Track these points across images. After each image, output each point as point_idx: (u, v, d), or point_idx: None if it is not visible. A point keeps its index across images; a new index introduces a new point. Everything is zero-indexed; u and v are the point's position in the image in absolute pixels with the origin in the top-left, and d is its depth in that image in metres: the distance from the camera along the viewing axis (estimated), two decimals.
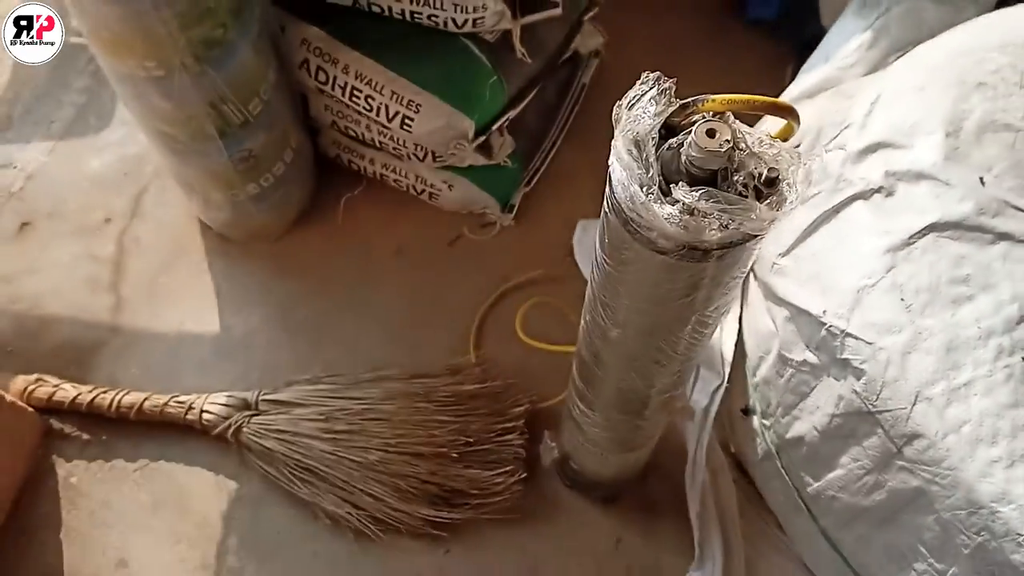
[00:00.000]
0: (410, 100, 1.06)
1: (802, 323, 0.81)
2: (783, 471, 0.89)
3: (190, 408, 1.05)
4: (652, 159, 0.49)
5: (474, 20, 1.03)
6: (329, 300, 1.21)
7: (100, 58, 0.92)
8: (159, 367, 1.14)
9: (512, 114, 1.12)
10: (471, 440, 1.04)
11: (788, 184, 0.48)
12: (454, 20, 1.03)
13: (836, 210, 0.83)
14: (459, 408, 1.07)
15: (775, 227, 0.49)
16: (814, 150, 0.89)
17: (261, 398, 1.07)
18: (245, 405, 1.06)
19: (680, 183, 0.47)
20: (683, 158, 0.49)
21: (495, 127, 1.11)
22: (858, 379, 0.75)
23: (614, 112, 0.51)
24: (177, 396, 1.06)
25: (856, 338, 0.75)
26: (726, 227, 0.46)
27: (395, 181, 1.24)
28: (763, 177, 0.48)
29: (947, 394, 0.70)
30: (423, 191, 1.24)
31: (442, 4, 1.01)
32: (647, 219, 0.49)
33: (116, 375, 1.13)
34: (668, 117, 0.51)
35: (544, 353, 1.14)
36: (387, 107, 1.07)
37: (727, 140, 0.47)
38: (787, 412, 0.86)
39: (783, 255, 0.86)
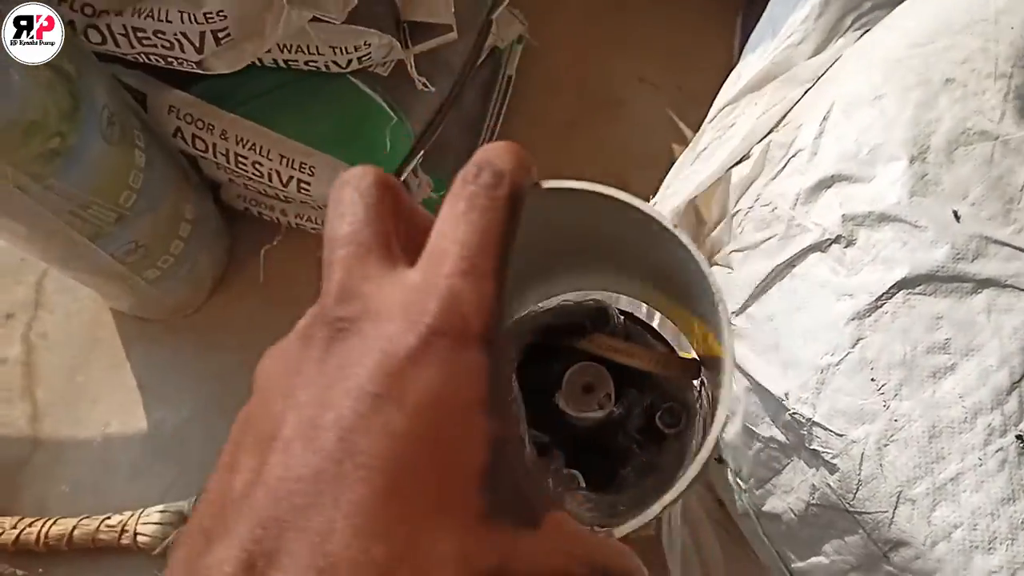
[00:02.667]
0: (302, 163, 0.92)
1: (765, 399, 0.71)
2: (764, 537, 0.81)
3: (123, 531, 0.96)
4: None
5: (359, 58, 0.89)
6: None
7: None
8: (89, 480, 1.05)
9: (423, 151, 0.99)
10: None
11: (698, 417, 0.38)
12: (336, 63, 0.89)
13: (791, 264, 0.71)
14: None
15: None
16: (758, 184, 0.76)
17: None
18: (182, 518, 0.98)
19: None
20: (558, 403, 0.38)
21: (406, 172, 0.98)
22: (831, 473, 0.65)
23: None
24: (108, 519, 0.97)
25: (825, 428, 0.65)
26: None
27: (313, 228, 1.12)
28: (660, 413, 0.38)
29: (932, 493, 0.61)
30: None
31: (318, 49, 0.87)
32: None
33: (45, 495, 1.04)
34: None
35: None
36: (278, 172, 0.94)
37: (607, 395, 0.36)
38: (760, 485, 0.76)
39: (736, 313, 0.75)
